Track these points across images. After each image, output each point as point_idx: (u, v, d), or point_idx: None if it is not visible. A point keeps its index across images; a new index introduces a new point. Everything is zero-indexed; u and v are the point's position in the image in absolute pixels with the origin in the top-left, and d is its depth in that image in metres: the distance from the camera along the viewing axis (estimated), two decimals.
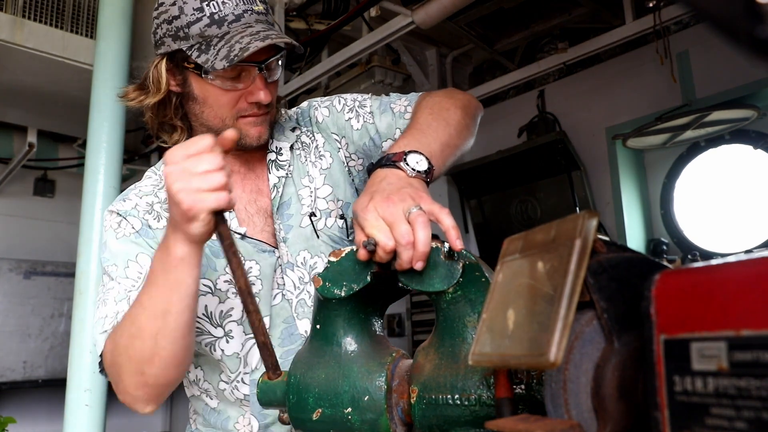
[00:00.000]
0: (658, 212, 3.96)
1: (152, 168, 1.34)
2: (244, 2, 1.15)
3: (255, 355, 1.21)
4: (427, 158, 1.00)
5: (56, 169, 5.74)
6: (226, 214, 1.09)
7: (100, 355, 1.12)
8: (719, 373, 0.37)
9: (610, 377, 0.48)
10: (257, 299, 1.13)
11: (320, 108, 1.39)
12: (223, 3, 1.13)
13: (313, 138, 1.37)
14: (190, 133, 1.28)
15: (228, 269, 1.12)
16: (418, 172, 0.96)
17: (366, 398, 0.79)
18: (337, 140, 1.35)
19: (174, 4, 1.16)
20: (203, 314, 1.20)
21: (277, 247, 1.24)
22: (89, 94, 2.88)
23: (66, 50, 3.35)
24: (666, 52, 3.22)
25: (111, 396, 2.62)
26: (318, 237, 1.26)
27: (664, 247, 3.77)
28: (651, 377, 0.42)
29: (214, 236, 1.05)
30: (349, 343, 0.85)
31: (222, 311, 1.20)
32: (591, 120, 4.18)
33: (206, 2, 1.14)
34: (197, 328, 1.19)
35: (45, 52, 3.31)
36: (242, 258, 1.15)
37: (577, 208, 4.10)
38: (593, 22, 4.01)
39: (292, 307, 1.24)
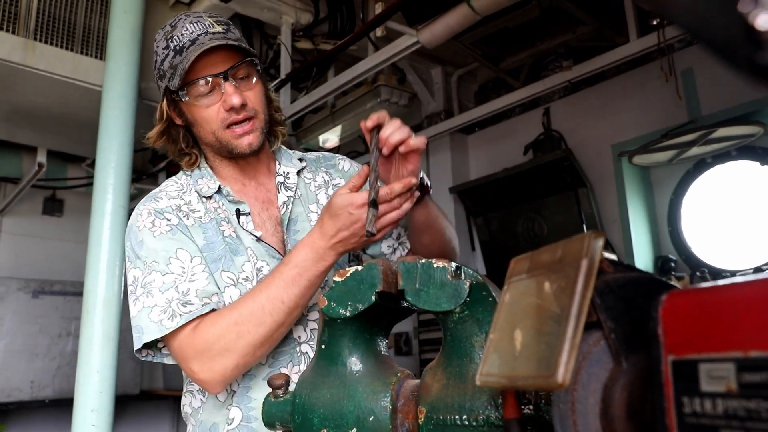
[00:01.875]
0: (666, 229, 3.94)
1: (173, 178, 1.45)
2: (200, 27, 1.29)
3: None
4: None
5: (65, 189, 5.79)
6: (243, 217, 1.35)
7: (145, 344, 1.23)
8: (728, 395, 0.37)
9: (618, 398, 0.48)
10: None
11: (345, 161, 1.59)
12: (182, 34, 1.28)
13: (331, 177, 1.53)
14: (201, 157, 1.44)
15: (245, 267, 1.30)
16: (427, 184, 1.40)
17: (371, 419, 0.78)
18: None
19: (155, 50, 1.35)
20: (229, 304, 1.28)
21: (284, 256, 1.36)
22: (98, 114, 2.91)
23: (76, 72, 3.40)
24: (670, 70, 3.24)
25: (117, 416, 2.62)
26: None
27: (672, 264, 3.75)
28: (660, 398, 0.41)
29: (234, 234, 1.32)
30: (355, 363, 0.84)
31: None
32: (597, 137, 4.19)
33: (170, 39, 1.30)
34: None
35: (55, 74, 3.35)
36: (255, 258, 1.32)
37: (584, 226, 4.09)
38: (597, 40, 4.03)
39: None
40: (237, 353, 1.17)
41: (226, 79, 1.28)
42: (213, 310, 1.21)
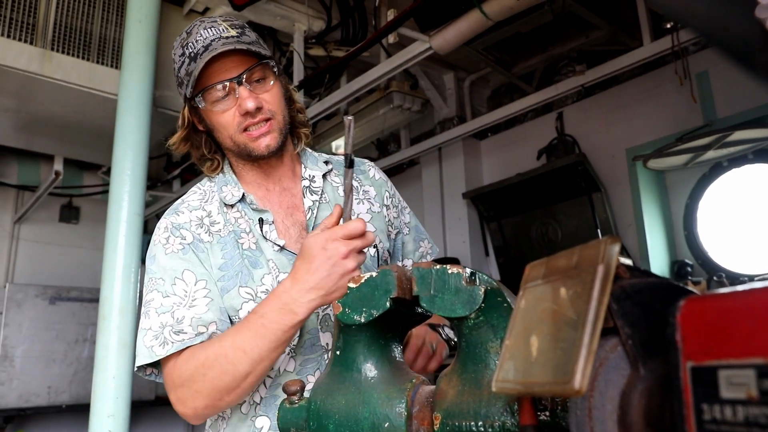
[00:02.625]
0: (682, 233, 3.90)
1: (197, 184, 1.45)
2: (214, 32, 1.28)
3: (280, 359, 1.28)
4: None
5: (81, 196, 5.85)
6: (266, 226, 1.34)
7: (142, 365, 1.24)
8: (749, 402, 0.36)
9: (636, 405, 0.47)
10: None
11: (374, 169, 1.57)
12: (196, 40, 1.27)
13: (361, 183, 1.51)
14: (224, 162, 1.44)
15: (264, 280, 1.28)
16: (447, 337, 1.40)
17: (386, 425, 0.78)
18: (387, 203, 1.51)
19: (173, 58, 1.34)
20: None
21: None
22: (114, 122, 2.94)
23: (92, 81, 3.44)
24: (685, 73, 3.21)
25: (134, 422, 2.63)
26: None
27: (689, 269, 3.71)
28: (679, 405, 0.41)
29: (254, 246, 1.30)
30: (370, 369, 0.84)
31: None
32: (610, 141, 4.16)
33: (185, 46, 1.29)
34: None
35: (72, 83, 3.39)
36: (277, 270, 1.29)
37: (599, 230, 4.06)
38: (611, 44, 4.02)
39: (318, 320, 1.31)
40: (205, 396, 1.15)
41: (240, 83, 1.27)
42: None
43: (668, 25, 3.18)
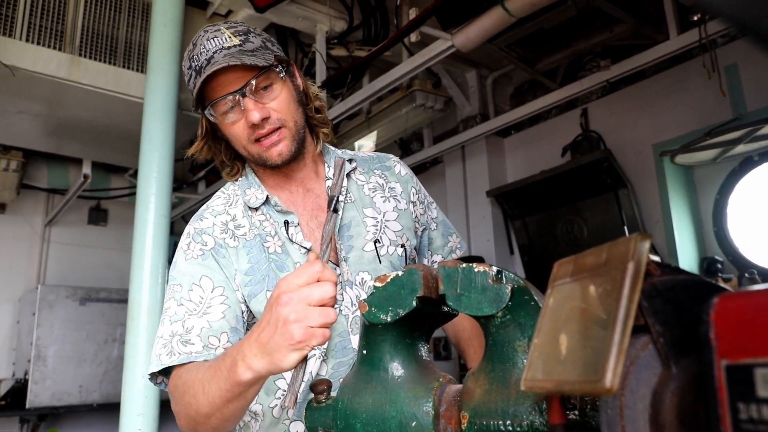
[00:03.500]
0: (711, 229, 3.83)
1: (222, 189, 1.44)
2: (216, 43, 1.25)
3: (312, 363, 1.26)
4: None
5: (109, 199, 5.95)
6: (292, 228, 1.31)
7: (154, 373, 1.22)
8: None
9: (669, 404, 0.47)
10: None
11: (400, 165, 1.54)
12: (200, 53, 1.26)
13: (387, 180, 1.48)
14: (243, 167, 1.43)
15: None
16: None
17: (413, 424, 0.78)
18: (413, 200, 1.49)
19: (183, 70, 1.33)
20: (253, 323, 1.27)
21: (338, 265, 1.31)
22: (140, 126, 2.98)
23: (118, 85, 3.49)
24: (713, 66, 3.15)
25: (163, 421, 2.67)
26: (380, 262, 1.35)
27: (719, 266, 3.64)
28: (714, 405, 0.40)
29: (280, 249, 1.28)
30: (396, 369, 0.84)
31: None
32: (637, 137, 4.11)
33: (192, 59, 1.28)
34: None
35: (99, 88, 3.45)
36: None
37: (625, 227, 4.00)
38: (636, 38, 3.96)
39: (348, 322, 1.30)
40: (181, 417, 1.14)
41: (243, 95, 1.25)
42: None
43: (695, 17, 3.12)
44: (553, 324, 0.54)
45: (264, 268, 1.28)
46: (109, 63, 3.52)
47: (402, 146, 5.59)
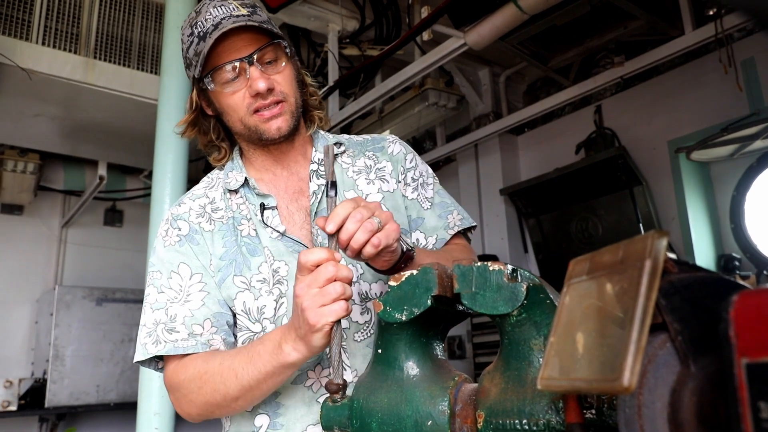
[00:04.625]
0: (728, 226, 3.79)
1: (209, 173, 1.42)
2: (224, 11, 1.22)
3: None
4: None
5: (124, 200, 6.01)
6: (268, 212, 1.27)
7: (144, 360, 1.23)
8: None
9: (687, 402, 0.46)
10: (283, 299, 1.22)
11: (396, 144, 1.46)
12: (206, 19, 1.21)
13: (376, 161, 1.42)
14: (232, 150, 1.40)
15: (261, 268, 1.23)
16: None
17: (429, 423, 0.78)
18: (401, 179, 1.41)
19: (181, 38, 1.29)
20: (242, 310, 1.24)
21: None
22: (154, 127, 3.01)
23: (133, 87, 3.53)
24: (730, 61, 3.11)
25: (179, 420, 2.69)
26: None
27: (737, 263, 3.60)
28: (734, 403, 0.40)
29: (253, 233, 1.25)
30: (411, 368, 0.84)
31: (258, 307, 1.23)
32: (651, 134, 4.07)
33: (194, 25, 1.23)
34: (237, 324, 1.26)
35: (114, 90, 3.49)
36: (272, 258, 1.24)
37: (641, 225, 3.97)
38: (650, 34, 3.92)
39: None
40: (197, 407, 1.16)
41: (251, 63, 1.21)
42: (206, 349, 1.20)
43: (711, 12, 3.08)
44: (569, 322, 0.54)
45: (233, 252, 1.26)
46: (124, 65, 3.56)
47: (415, 145, 5.59)
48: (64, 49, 3.36)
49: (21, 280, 5.65)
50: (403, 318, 0.81)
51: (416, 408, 0.79)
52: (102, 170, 5.04)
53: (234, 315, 1.26)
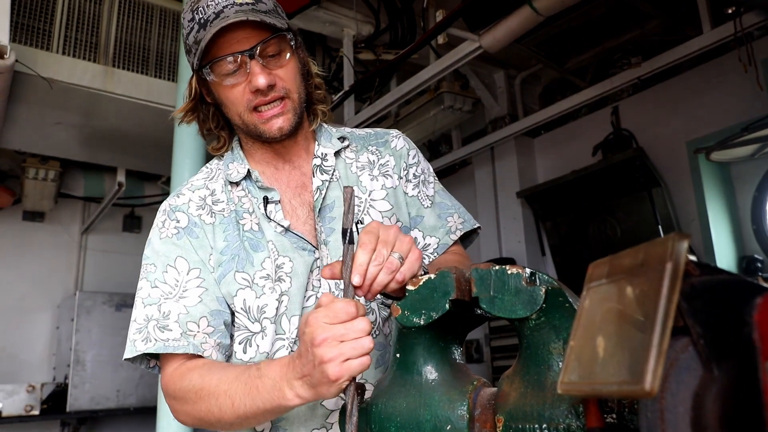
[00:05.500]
0: (749, 227, 3.73)
1: (207, 164, 1.38)
2: None
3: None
4: None
5: (143, 206, 6.07)
6: (271, 206, 1.22)
7: (133, 357, 1.18)
8: None
9: (711, 407, 0.46)
10: (286, 297, 1.17)
11: (399, 139, 1.42)
12: (207, 5, 1.15)
13: (379, 156, 1.37)
14: (232, 139, 1.35)
15: (265, 264, 1.18)
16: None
17: (448, 427, 0.78)
18: (402, 175, 1.37)
19: (182, 22, 1.22)
20: (241, 308, 1.19)
21: (317, 248, 1.23)
22: (172, 134, 3.04)
23: (150, 94, 3.57)
24: (750, 60, 3.07)
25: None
26: None
27: (759, 265, 3.55)
28: (758, 408, 0.39)
29: (256, 227, 1.20)
30: (430, 372, 0.84)
31: (259, 306, 1.19)
32: (670, 134, 4.03)
33: (196, 11, 1.16)
34: (235, 323, 1.21)
35: (132, 97, 3.53)
36: (276, 253, 1.19)
37: (660, 227, 3.93)
38: (667, 34, 3.89)
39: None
40: (192, 420, 1.13)
41: (252, 57, 1.15)
42: (194, 355, 1.15)
43: (730, 10, 3.05)
44: (589, 326, 0.54)
45: (235, 247, 1.21)
46: (142, 73, 3.60)
47: (431, 148, 5.58)
48: (84, 58, 3.41)
49: (42, 286, 5.73)
50: (422, 322, 0.81)
51: (435, 412, 0.79)
52: (121, 177, 5.09)
53: (232, 313, 1.21)
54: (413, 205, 1.35)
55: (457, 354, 0.88)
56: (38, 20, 3.33)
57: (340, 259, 0.96)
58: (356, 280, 0.90)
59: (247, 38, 1.15)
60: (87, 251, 6.04)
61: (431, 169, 1.44)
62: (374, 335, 1.19)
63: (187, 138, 2.98)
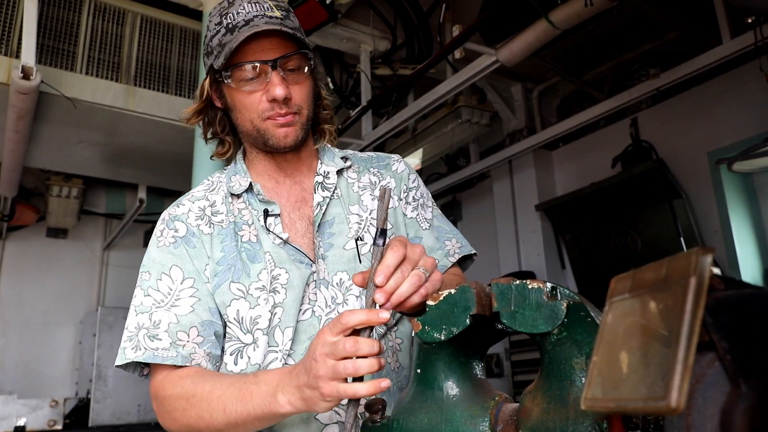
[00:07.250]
0: None
1: (209, 176, 1.41)
2: (258, 8, 1.20)
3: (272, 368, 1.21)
4: None
5: None
6: (271, 219, 1.24)
7: (126, 364, 1.21)
8: None
9: (740, 424, 0.45)
10: (280, 308, 1.18)
11: (400, 163, 1.45)
12: (238, 12, 1.20)
13: (381, 177, 1.41)
14: (237, 146, 1.38)
15: (261, 276, 1.19)
16: None
17: None
18: (403, 197, 1.40)
19: (208, 25, 1.27)
20: (234, 319, 1.20)
21: (315, 262, 1.25)
22: (192, 150, 3.07)
23: (171, 112, 3.62)
24: None
25: None
26: (360, 261, 1.27)
27: None
28: None
29: (254, 239, 1.22)
30: (451, 387, 0.84)
31: (252, 317, 1.20)
32: (690, 145, 3.99)
33: (224, 15, 1.22)
34: (227, 333, 1.22)
35: (153, 115, 3.58)
36: (273, 264, 1.21)
37: (681, 239, 3.88)
38: (686, 44, 3.86)
39: (320, 324, 1.21)
40: (179, 425, 1.13)
41: (274, 67, 1.19)
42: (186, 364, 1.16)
43: (750, 20, 3.02)
44: (612, 341, 0.53)
45: (232, 257, 1.23)
46: (162, 91, 3.66)
47: (448, 162, 5.58)
48: (106, 78, 3.48)
49: (65, 301, 5.81)
50: (442, 338, 0.81)
51: (456, 428, 0.79)
52: (142, 193, 5.16)
53: (225, 325, 1.22)
54: (412, 226, 1.37)
55: (478, 369, 0.88)
56: (63, 42, 3.41)
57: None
58: (379, 279, 0.89)
59: (272, 49, 1.19)
60: (108, 267, 6.12)
61: (430, 195, 1.48)
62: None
63: (206, 155, 3.01)
